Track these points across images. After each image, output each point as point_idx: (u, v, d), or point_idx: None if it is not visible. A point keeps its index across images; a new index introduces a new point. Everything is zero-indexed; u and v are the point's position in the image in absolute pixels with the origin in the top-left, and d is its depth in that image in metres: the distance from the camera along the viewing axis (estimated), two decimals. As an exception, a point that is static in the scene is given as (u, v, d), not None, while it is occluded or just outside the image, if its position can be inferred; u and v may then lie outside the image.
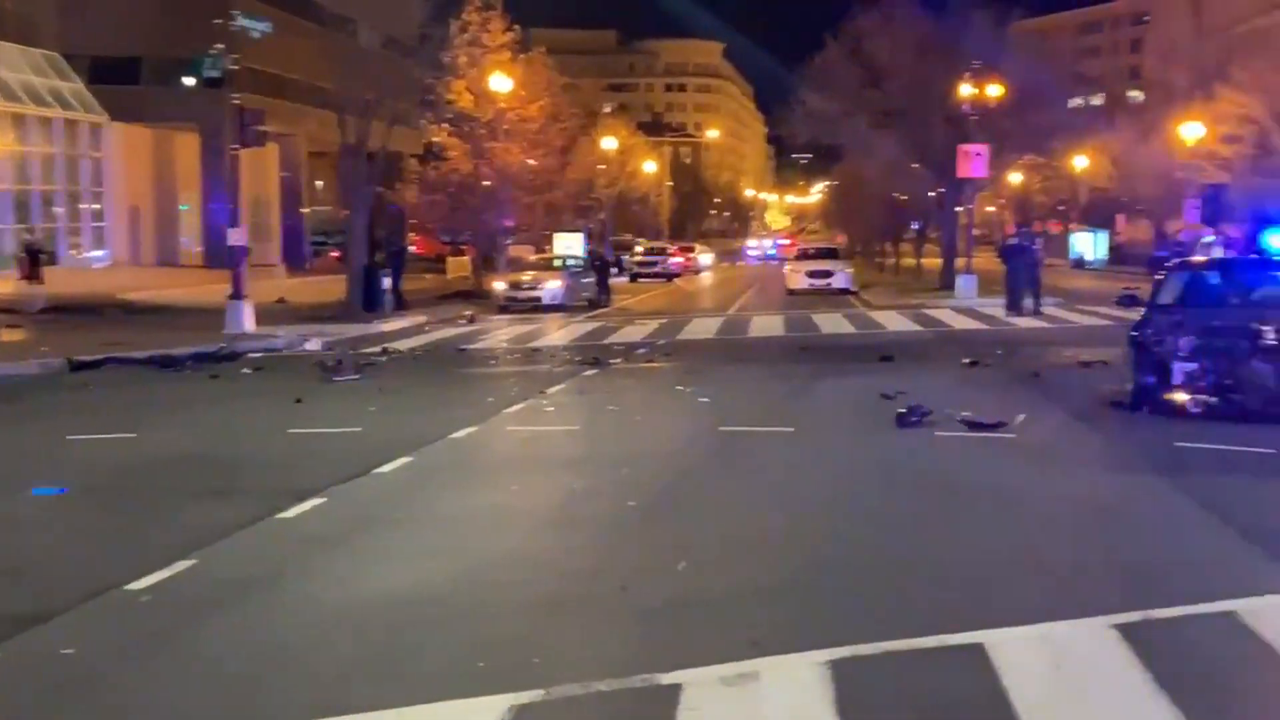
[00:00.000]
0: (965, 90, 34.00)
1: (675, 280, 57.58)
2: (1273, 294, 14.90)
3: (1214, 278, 15.93)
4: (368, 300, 30.86)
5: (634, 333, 26.62)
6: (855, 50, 41.93)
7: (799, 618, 6.66)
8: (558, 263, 38.88)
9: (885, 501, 9.63)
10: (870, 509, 9.39)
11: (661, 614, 6.74)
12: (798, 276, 43.00)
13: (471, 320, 31.31)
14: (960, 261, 38.05)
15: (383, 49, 46.85)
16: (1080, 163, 67.50)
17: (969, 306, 32.51)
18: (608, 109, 78.50)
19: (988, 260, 44.29)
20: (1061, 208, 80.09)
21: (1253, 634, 6.25)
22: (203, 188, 53.25)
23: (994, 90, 33.97)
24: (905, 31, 41.11)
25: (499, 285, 36.49)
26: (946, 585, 7.27)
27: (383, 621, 6.59)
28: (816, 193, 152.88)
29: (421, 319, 31.17)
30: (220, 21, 27.76)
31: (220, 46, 27.62)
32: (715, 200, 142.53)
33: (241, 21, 28.00)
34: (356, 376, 18.04)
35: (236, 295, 26.32)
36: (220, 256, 38.38)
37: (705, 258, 76.99)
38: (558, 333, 27.72)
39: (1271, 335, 13.02)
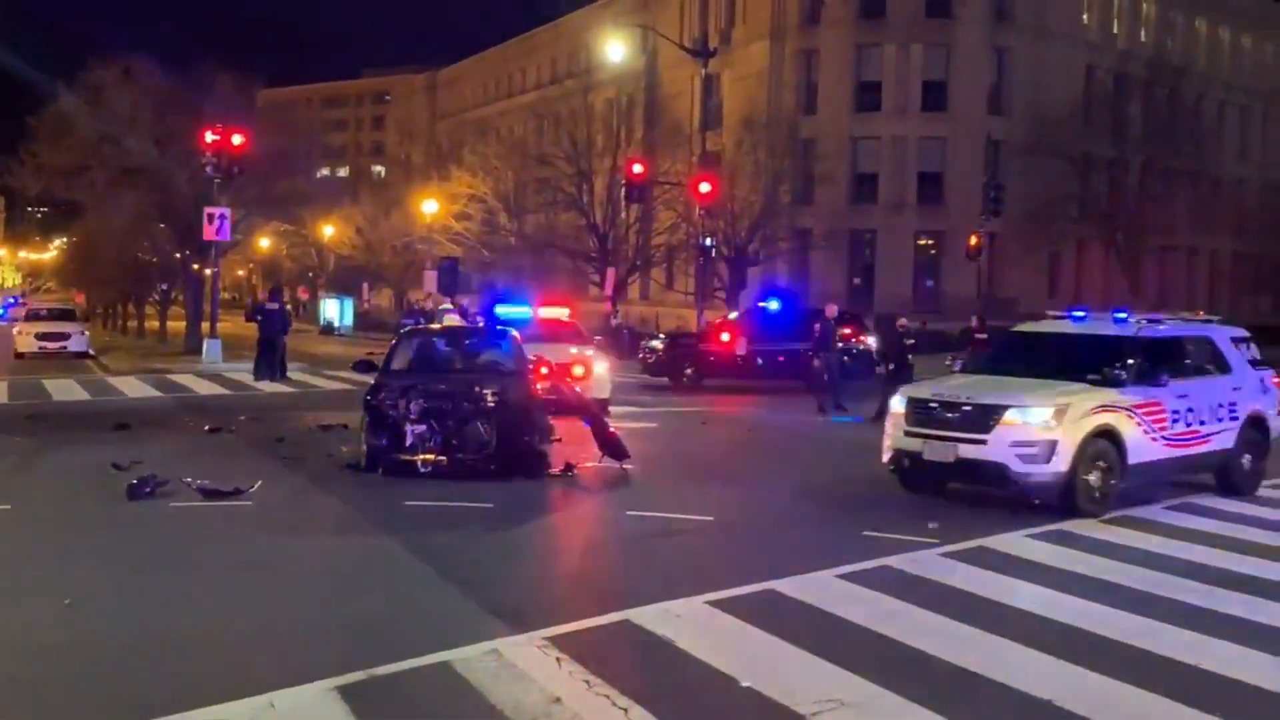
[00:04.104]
0: (208, 152, 33.31)
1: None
2: (494, 359, 16.25)
3: (442, 344, 17.01)
4: None
5: None
6: (94, 101, 39.51)
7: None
8: None
9: (109, 581, 9.03)
10: (92, 591, 8.73)
11: None
12: (28, 339, 39.74)
13: None
14: (206, 326, 37.18)
15: None
16: (328, 231, 69.44)
17: (215, 371, 31.83)
18: None
19: (236, 324, 43.87)
20: (311, 274, 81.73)
21: (465, 682, 6.66)
22: None
23: (238, 151, 33.59)
24: (146, 86, 39.61)
25: None
26: (171, 666, 6.98)
27: None
28: (55, 249, 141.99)
29: None
30: None
31: None
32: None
33: None
34: None
35: None
36: None
37: (-85, 318, 68.80)
38: None
39: (490, 398, 14.15)
